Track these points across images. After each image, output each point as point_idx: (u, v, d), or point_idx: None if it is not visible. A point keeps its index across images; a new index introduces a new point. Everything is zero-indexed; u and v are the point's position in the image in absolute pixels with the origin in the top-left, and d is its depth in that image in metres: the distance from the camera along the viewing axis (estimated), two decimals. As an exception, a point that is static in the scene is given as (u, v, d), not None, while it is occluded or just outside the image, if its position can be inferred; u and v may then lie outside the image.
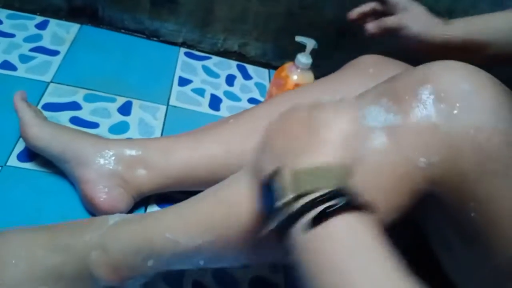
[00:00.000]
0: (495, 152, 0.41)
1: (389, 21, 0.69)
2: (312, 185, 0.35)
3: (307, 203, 0.35)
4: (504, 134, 0.41)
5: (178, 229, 0.48)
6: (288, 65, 0.87)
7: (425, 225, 0.50)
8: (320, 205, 0.34)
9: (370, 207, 0.35)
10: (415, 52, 0.69)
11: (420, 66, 0.47)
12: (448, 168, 0.42)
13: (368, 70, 0.67)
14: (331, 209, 0.34)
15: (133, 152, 0.63)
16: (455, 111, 0.42)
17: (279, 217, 0.36)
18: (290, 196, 0.36)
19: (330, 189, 0.35)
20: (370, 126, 0.44)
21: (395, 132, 0.43)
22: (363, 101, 0.47)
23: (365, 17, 0.74)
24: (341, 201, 0.34)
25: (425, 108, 0.43)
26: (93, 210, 0.63)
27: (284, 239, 0.36)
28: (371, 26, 0.71)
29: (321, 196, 0.35)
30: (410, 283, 0.31)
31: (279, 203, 0.36)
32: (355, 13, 0.74)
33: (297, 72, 0.85)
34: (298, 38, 0.83)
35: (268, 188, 0.39)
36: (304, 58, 0.83)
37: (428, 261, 0.51)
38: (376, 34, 0.71)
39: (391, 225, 0.44)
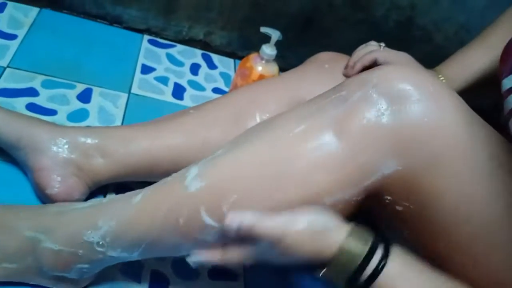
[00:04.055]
0: (441, 147, 0.42)
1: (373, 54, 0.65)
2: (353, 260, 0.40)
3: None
4: (449, 129, 0.43)
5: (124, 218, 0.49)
6: (252, 56, 0.86)
7: (376, 216, 0.52)
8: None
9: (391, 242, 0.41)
10: None
11: (367, 71, 0.48)
12: (397, 164, 0.43)
13: (324, 66, 0.68)
14: (380, 266, 0.40)
15: (89, 140, 0.62)
16: (402, 110, 0.43)
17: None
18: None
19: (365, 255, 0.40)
20: (317, 127, 0.45)
21: (345, 132, 0.44)
22: (314, 105, 0.48)
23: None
24: (380, 255, 0.40)
25: (373, 108, 0.44)
26: (45, 199, 0.61)
27: None
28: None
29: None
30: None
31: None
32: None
33: (261, 63, 0.84)
34: (263, 29, 0.83)
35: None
36: (269, 49, 0.83)
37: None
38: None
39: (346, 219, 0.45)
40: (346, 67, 0.66)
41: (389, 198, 0.46)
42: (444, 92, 0.44)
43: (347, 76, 0.65)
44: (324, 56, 0.72)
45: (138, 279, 0.60)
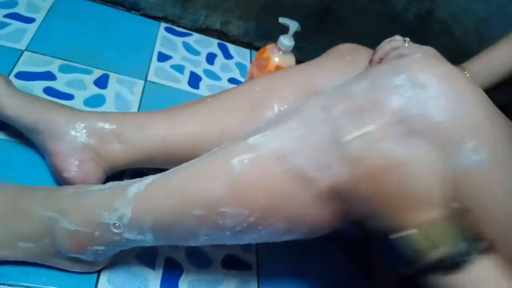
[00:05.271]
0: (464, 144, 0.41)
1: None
2: (441, 240, 0.41)
3: (444, 256, 0.40)
4: (471, 124, 0.42)
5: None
6: (270, 47, 0.86)
7: None
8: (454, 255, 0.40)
9: (491, 248, 0.41)
10: None
11: (394, 61, 0.47)
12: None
13: (345, 58, 0.67)
14: (466, 258, 0.40)
15: (107, 126, 0.62)
16: (424, 100, 0.42)
17: (415, 266, 0.42)
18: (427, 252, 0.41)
19: (459, 242, 0.41)
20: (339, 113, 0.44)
21: (367, 119, 0.43)
22: (336, 93, 0.46)
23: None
24: (472, 250, 0.40)
25: (395, 96, 0.42)
26: (62, 183, 0.62)
27: (420, 281, 0.43)
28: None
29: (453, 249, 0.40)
30: None
31: (417, 258, 0.41)
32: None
33: (278, 54, 0.84)
34: (282, 20, 0.82)
35: (391, 245, 0.43)
36: (286, 40, 0.83)
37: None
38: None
39: None
40: (371, 62, 0.65)
41: None
42: (467, 86, 0.43)
43: None
44: (345, 48, 0.70)
45: (152, 266, 0.60)
